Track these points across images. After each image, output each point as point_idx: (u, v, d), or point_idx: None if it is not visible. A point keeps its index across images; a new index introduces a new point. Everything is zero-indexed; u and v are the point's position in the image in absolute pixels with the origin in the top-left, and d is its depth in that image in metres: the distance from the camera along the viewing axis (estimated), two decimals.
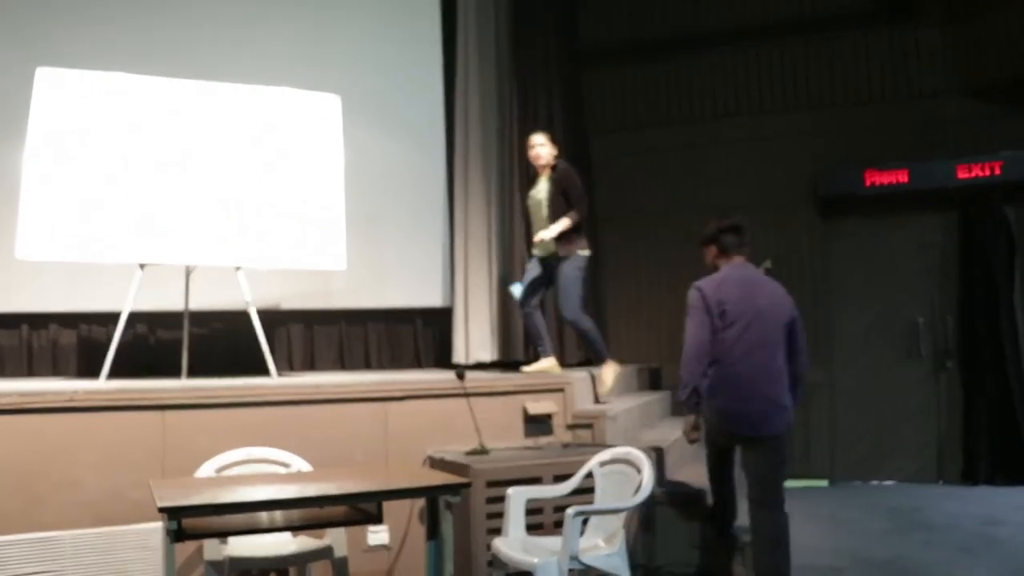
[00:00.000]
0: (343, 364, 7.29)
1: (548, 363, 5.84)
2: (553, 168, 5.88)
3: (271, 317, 5.91)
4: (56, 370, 6.78)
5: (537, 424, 5.11)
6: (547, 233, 5.67)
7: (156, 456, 4.16)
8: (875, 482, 7.79)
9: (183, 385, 4.65)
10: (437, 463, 4.55)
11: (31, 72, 5.51)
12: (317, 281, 6.90)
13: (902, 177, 7.77)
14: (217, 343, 6.73)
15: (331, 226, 5.89)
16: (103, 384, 4.91)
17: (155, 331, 6.85)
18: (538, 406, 5.08)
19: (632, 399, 6.23)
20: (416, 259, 7.34)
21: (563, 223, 5.65)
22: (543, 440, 5.04)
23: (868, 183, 7.85)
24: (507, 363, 6.78)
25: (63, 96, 5.43)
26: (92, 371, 6.54)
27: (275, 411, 4.46)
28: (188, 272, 5.73)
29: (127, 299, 5.41)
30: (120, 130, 5.47)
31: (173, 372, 5.80)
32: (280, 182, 5.77)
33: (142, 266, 5.43)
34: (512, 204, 6.96)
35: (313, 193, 5.86)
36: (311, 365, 7.21)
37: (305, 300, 7.05)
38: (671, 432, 5.87)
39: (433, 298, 7.39)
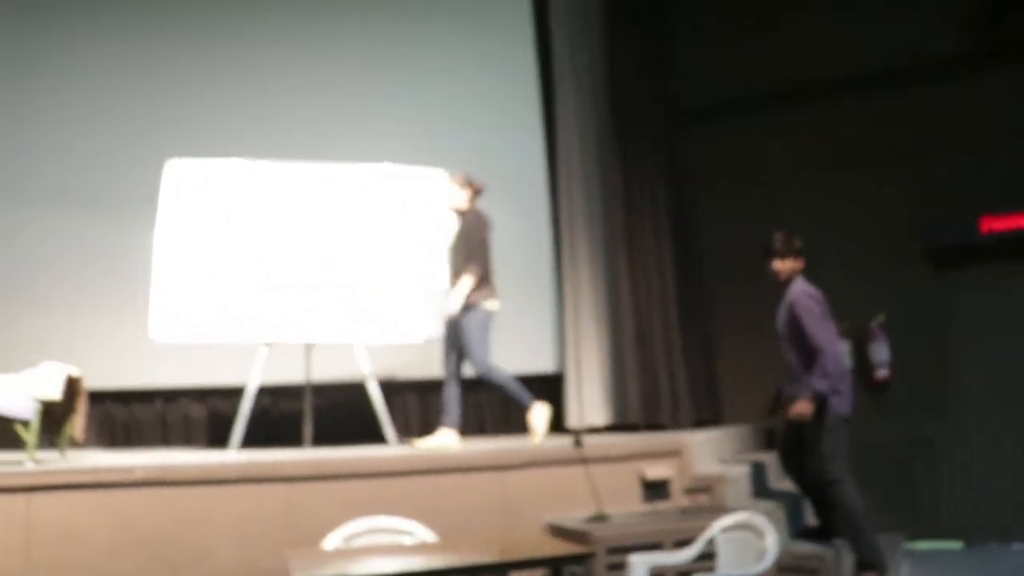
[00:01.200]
0: (459, 432, 7.36)
1: (443, 438, 5.65)
2: (463, 214, 5.77)
3: (387, 387, 6.06)
4: (188, 441, 7.10)
5: (654, 489, 5.07)
6: (450, 306, 5.55)
7: (284, 526, 4.29)
8: (1017, 545, 7.38)
9: (308, 457, 4.80)
10: (557, 530, 4.56)
11: (160, 161, 5.93)
12: (431, 350, 7.04)
13: (1021, 222, 7.53)
14: (337, 414, 6.90)
15: (444, 298, 6.03)
16: (233, 456, 5.12)
17: (278, 403, 7.09)
18: (655, 471, 5.05)
19: (749, 460, 6.12)
20: (527, 325, 7.41)
21: (461, 287, 5.51)
22: (661, 505, 4.99)
23: (984, 230, 7.61)
24: (621, 426, 6.76)
25: (189, 184, 5.83)
26: (220, 441, 6.84)
27: (396, 481, 4.55)
28: (309, 348, 5.95)
29: (253, 375, 5.65)
30: (242, 214, 5.80)
31: (296, 442, 5.99)
32: (393, 257, 5.99)
33: (265, 344, 5.68)
34: (619, 265, 6.99)
35: (425, 266, 6.03)
36: (428, 433, 7.30)
37: (420, 369, 7.19)
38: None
39: (545, 363, 7.45)
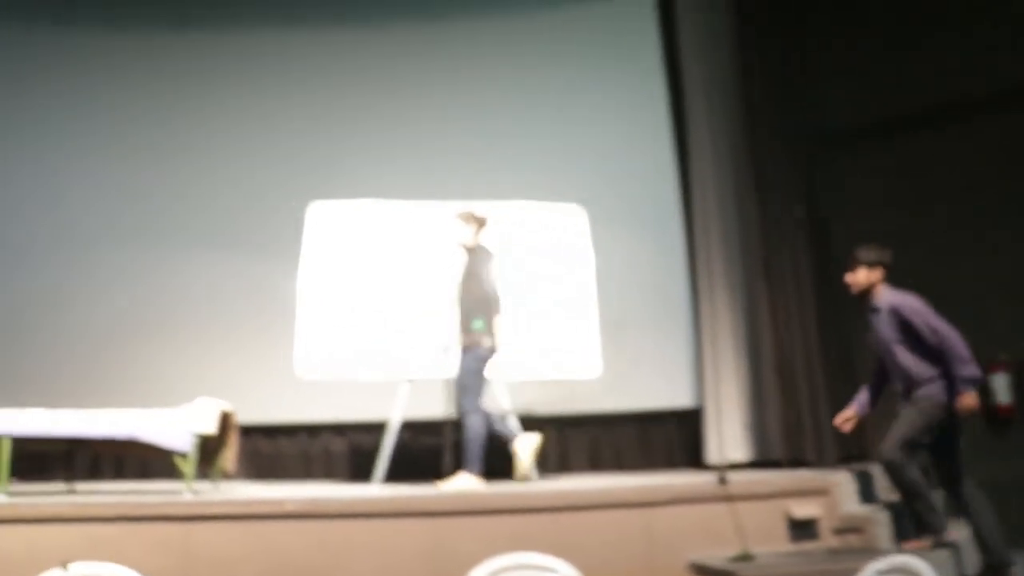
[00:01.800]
0: (596, 468, 7.33)
1: (464, 481, 5.28)
2: (471, 250, 5.55)
3: (525, 423, 6.07)
4: (329, 474, 7.28)
5: (801, 528, 4.90)
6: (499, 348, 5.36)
7: (428, 561, 4.33)
8: None
9: (451, 493, 4.84)
10: (701, 569, 4.45)
11: (304, 203, 6.22)
12: (569, 385, 7.04)
13: None
14: None
15: (584, 334, 6.04)
16: (377, 491, 5.22)
17: (417, 438, 7.20)
18: (802, 509, 4.88)
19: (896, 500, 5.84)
20: (664, 359, 7.33)
21: (502, 330, 5.32)
22: (809, 545, 4.82)
23: None
24: (763, 463, 6.59)
25: (332, 225, 6.06)
26: (360, 475, 6.99)
27: (538, 517, 4.54)
28: (449, 383, 6.03)
29: (394, 411, 5.77)
30: (383, 253, 5.98)
31: (435, 476, 6.06)
32: (534, 294, 6.05)
33: (407, 380, 5.80)
34: (758, 296, 6.84)
35: (566, 302, 6.06)
36: (565, 469, 7.30)
37: (557, 405, 7.19)
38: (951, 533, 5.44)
39: (683, 398, 7.33)
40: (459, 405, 5.36)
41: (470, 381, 5.33)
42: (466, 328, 5.35)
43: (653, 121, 7.73)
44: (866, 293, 5.10)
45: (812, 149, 7.92)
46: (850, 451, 6.55)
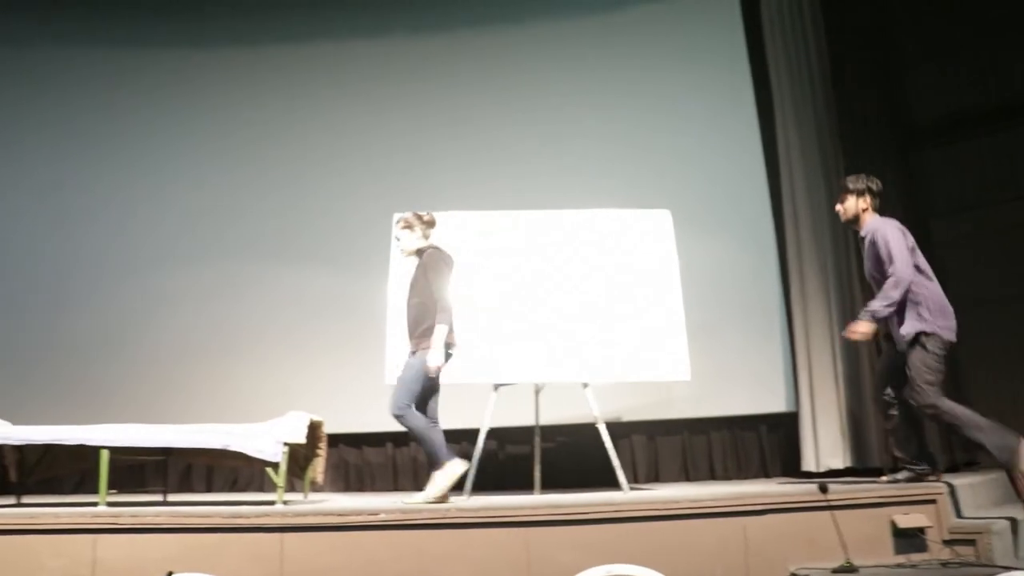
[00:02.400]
0: (687, 475, 7.19)
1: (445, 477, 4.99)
2: (420, 253, 5.30)
3: (614, 429, 5.98)
4: (418, 485, 7.25)
5: (908, 539, 4.69)
6: (432, 360, 4.99)
7: (522, 572, 4.27)
8: None
9: (543, 502, 4.79)
10: None
11: (387, 213, 6.20)
12: (658, 392, 6.93)
13: None
14: (563, 456, 6.90)
15: (672, 337, 5.94)
16: (468, 501, 5.19)
17: (504, 446, 7.17)
18: (908, 519, 4.66)
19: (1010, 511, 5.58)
20: (756, 363, 7.16)
21: (438, 338, 5.00)
22: (916, 557, 4.61)
23: None
24: (860, 470, 6.37)
25: None
26: None
27: (633, 526, 4.45)
28: (538, 389, 5.98)
29: (484, 418, 5.74)
30: (468, 260, 5.96)
31: (522, 485, 6.00)
32: (621, 298, 5.97)
33: (496, 387, 5.76)
34: (853, 299, 6.63)
35: (653, 306, 5.97)
36: (655, 477, 7.18)
37: (647, 411, 7.09)
38: None
39: (777, 403, 7.14)
40: (392, 405, 5.03)
41: (408, 383, 5.04)
42: (413, 333, 5.16)
43: (739, 120, 7.58)
44: (855, 222, 5.15)
45: (905, 142, 7.66)
46: (957, 458, 6.31)
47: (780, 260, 7.23)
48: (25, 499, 5.84)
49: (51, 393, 7.26)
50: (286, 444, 5.20)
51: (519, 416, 6.26)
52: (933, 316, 4.87)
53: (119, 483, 5.76)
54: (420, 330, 5.10)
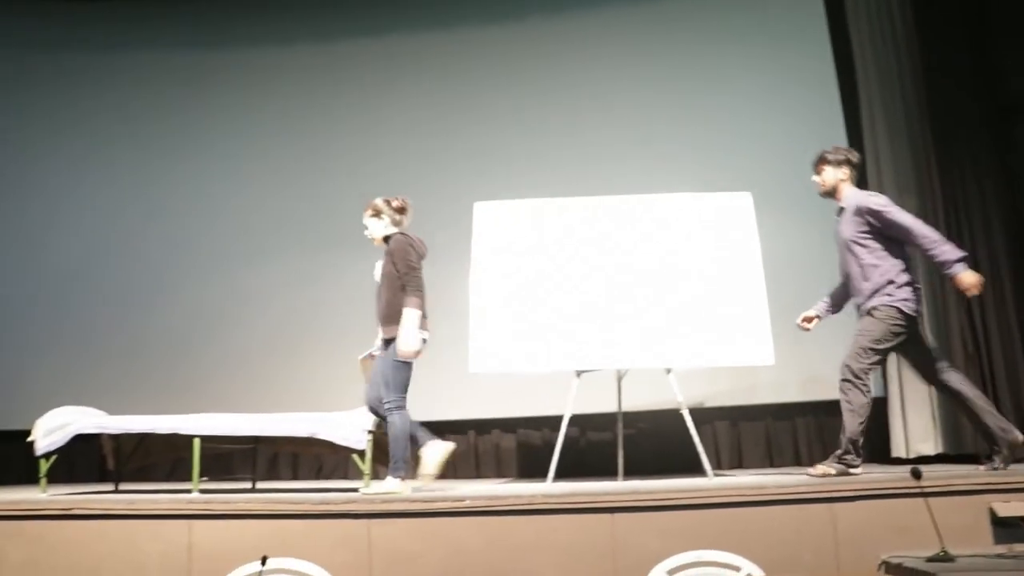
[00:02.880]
0: (771, 462, 7.08)
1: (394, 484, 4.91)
2: (387, 240, 5.14)
3: (696, 415, 5.93)
4: (500, 472, 7.33)
5: (1008, 528, 4.54)
6: (404, 346, 4.87)
7: (607, 558, 4.26)
8: None
9: (628, 487, 4.77)
10: (896, 569, 4.19)
11: (466, 204, 6.36)
12: (742, 377, 6.84)
13: None
14: (644, 443, 6.87)
15: (755, 321, 5.86)
16: (553, 487, 5.20)
17: (585, 433, 7.16)
18: (1009, 507, 4.51)
19: None
20: (843, 348, 6.98)
21: (408, 323, 4.88)
22: (1019, 548, 4.46)
23: None
24: (954, 456, 6.20)
25: (497, 224, 6.14)
26: (529, 473, 7.00)
27: (719, 512, 4.40)
28: (620, 376, 5.96)
29: (567, 405, 5.73)
30: (549, 248, 6.00)
31: (603, 472, 5.98)
32: (703, 283, 5.90)
33: (579, 373, 5.75)
34: (943, 283, 6.44)
35: (735, 290, 5.90)
36: (739, 463, 7.10)
37: (730, 397, 7.01)
38: None
39: None
40: (381, 401, 5.01)
41: (391, 376, 4.97)
42: (384, 323, 5.06)
43: (821, 97, 7.42)
44: (833, 194, 5.16)
45: (997, 117, 7.36)
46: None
47: None
48: (122, 486, 6.05)
49: (146, 385, 7.50)
50: (370, 432, 5.27)
51: (600, 403, 6.25)
52: (900, 289, 4.92)
53: (208, 471, 5.91)
54: (391, 319, 4.98)
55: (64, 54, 8.45)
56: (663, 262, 5.98)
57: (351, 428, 5.27)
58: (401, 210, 5.22)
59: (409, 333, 4.88)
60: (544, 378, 6.29)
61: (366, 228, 5.27)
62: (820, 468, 4.98)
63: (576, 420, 6.82)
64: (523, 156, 7.63)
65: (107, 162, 8.27)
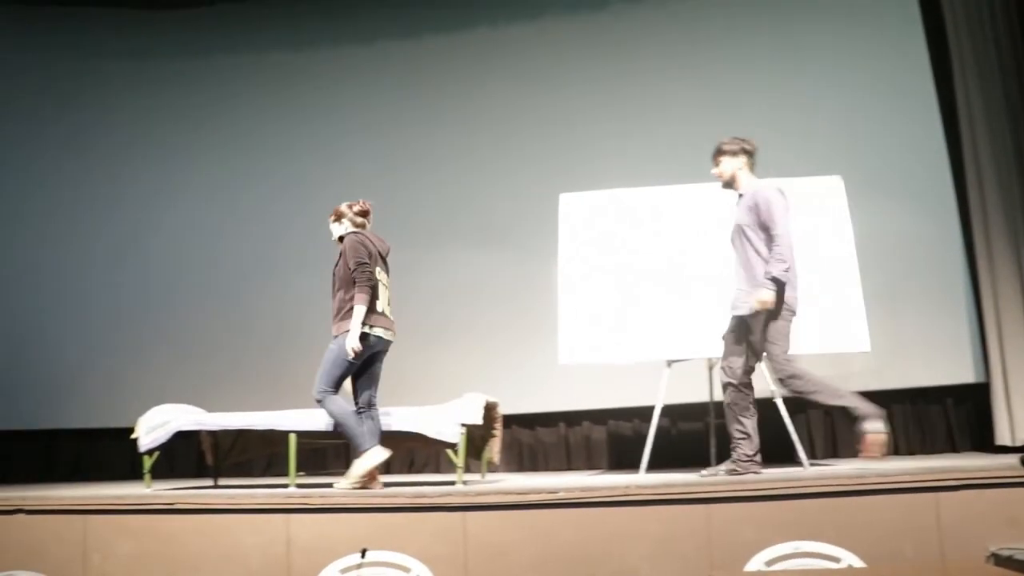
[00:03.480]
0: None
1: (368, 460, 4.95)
2: (342, 240, 5.14)
3: (789, 404, 5.81)
4: (590, 464, 7.33)
5: None
6: (350, 343, 4.90)
7: (703, 547, 4.22)
8: None
9: (724, 478, 4.72)
10: (1005, 561, 4.06)
11: (551, 196, 6.36)
12: (836, 364, 6.68)
13: None
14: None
15: (850, 307, 5.73)
16: (647, 478, 5.19)
17: (676, 423, 7.10)
18: None
19: None
20: (940, 333, 6.83)
21: (355, 320, 4.91)
22: None
23: None
24: None
25: (584, 215, 6.14)
26: (620, 464, 6.99)
27: (815, 502, 4.31)
28: (711, 365, 5.89)
29: (659, 395, 5.70)
30: (635, 237, 5.96)
31: (695, 463, 5.93)
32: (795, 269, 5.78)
33: (669, 363, 5.71)
34: None
35: (829, 276, 5.78)
36: (833, 453, 6.96)
37: None
38: None
39: (964, 374, 6.80)
40: (314, 390, 5.08)
41: (327, 368, 5.04)
42: (335, 318, 5.11)
43: (913, 77, 7.22)
44: (732, 184, 5.08)
45: None
46: None
47: (963, 225, 6.86)
48: (221, 481, 6.22)
49: (243, 383, 7.71)
50: (464, 425, 5.32)
51: (691, 393, 6.19)
52: (791, 286, 4.81)
53: (304, 466, 6.04)
54: (341, 314, 5.07)
55: (179, 61, 8.69)
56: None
57: (445, 422, 5.32)
58: (363, 213, 5.30)
59: (354, 332, 4.95)
60: (633, 369, 6.25)
61: (331, 229, 5.34)
62: None
63: (667, 410, 6.79)
64: (609, 145, 7.58)
65: (181, 168, 8.49)
